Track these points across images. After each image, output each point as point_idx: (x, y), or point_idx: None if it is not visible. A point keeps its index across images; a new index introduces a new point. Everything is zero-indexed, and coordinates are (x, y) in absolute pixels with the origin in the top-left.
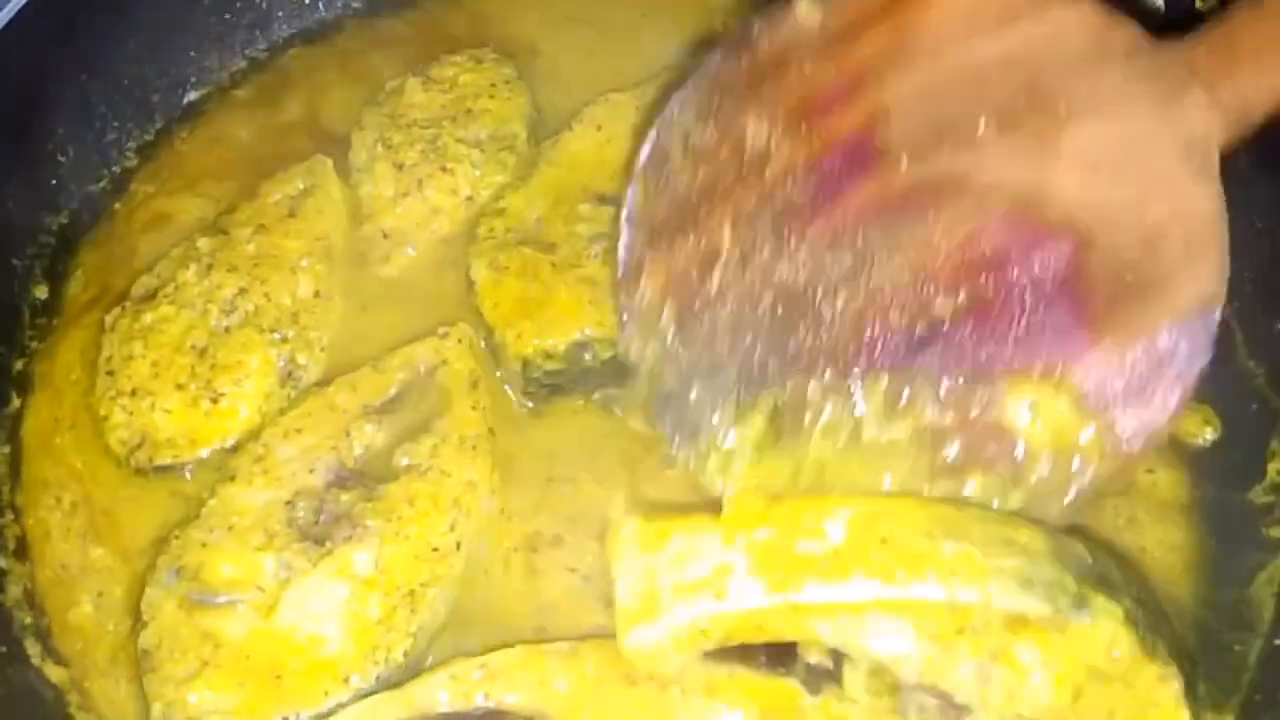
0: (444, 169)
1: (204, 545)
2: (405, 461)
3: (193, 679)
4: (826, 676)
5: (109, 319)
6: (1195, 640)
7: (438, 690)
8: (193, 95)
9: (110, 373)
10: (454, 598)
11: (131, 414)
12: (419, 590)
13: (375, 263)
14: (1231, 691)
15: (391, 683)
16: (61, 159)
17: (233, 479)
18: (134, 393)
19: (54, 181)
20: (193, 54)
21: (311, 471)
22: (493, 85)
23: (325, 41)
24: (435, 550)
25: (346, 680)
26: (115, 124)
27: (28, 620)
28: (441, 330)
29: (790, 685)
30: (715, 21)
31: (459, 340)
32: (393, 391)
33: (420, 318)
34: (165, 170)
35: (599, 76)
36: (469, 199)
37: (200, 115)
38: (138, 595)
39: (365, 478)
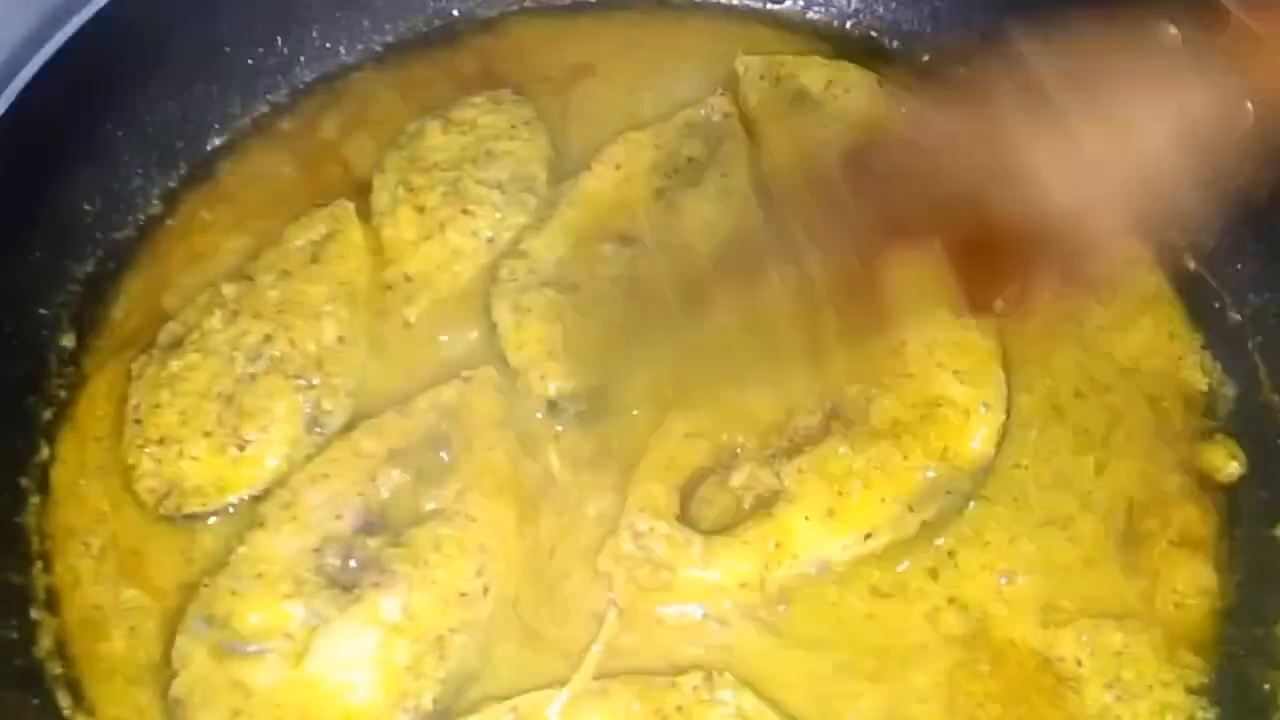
0: (465, 211)
1: (234, 593)
2: (431, 507)
3: None
4: None
5: (135, 367)
6: (1222, 678)
7: None
8: (217, 141)
9: (138, 421)
10: (484, 643)
11: (160, 462)
12: (447, 636)
13: (398, 306)
14: None
15: None
16: (88, 207)
17: (262, 525)
18: (162, 441)
19: (80, 230)
20: (216, 99)
21: (339, 518)
22: (512, 126)
23: (347, 86)
24: (463, 595)
25: None
26: (140, 171)
27: (58, 671)
28: (465, 374)
29: None
30: (730, 60)
31: (483, 383)
32: (418, 436)
33: (444, 361)
34: (191, 216)
35: (616, 116)
36: (490, 241)
37: (224, 161)
38: (169, 638)
39: (392, 524)
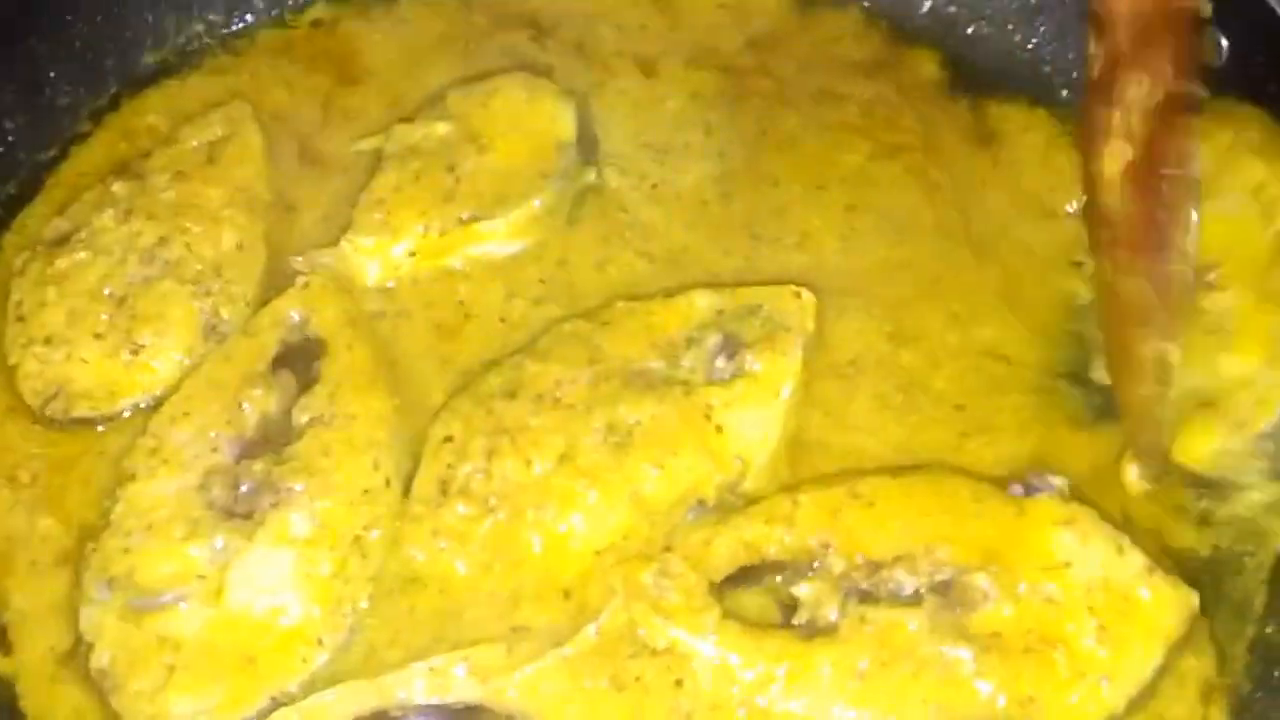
0: None
1: (126, 551)
2: (306, 418)
3: (164, 688)
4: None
5: (18, 262)
6: None
7: (416, 681)
8: (149, 59)
9: (21, 319)
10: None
11: (45, 363)
12: (363, 535)
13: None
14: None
15: (364, 629)
16: (9, 124)
17: (133, 478)
18: (48, 340)
19: (1, 149)
20: (149, 18)
21: (214, 451)
22: None
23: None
24: (366, 492)
25: (320, 641)
26: (66, 88)
27: None
28: (301, 280)
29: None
30: None
31: (322, 285)
32: (273, 352)
33: None
34: (117, 136)
35: None
36: None
37: (155, 81)
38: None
39: (271, 443)
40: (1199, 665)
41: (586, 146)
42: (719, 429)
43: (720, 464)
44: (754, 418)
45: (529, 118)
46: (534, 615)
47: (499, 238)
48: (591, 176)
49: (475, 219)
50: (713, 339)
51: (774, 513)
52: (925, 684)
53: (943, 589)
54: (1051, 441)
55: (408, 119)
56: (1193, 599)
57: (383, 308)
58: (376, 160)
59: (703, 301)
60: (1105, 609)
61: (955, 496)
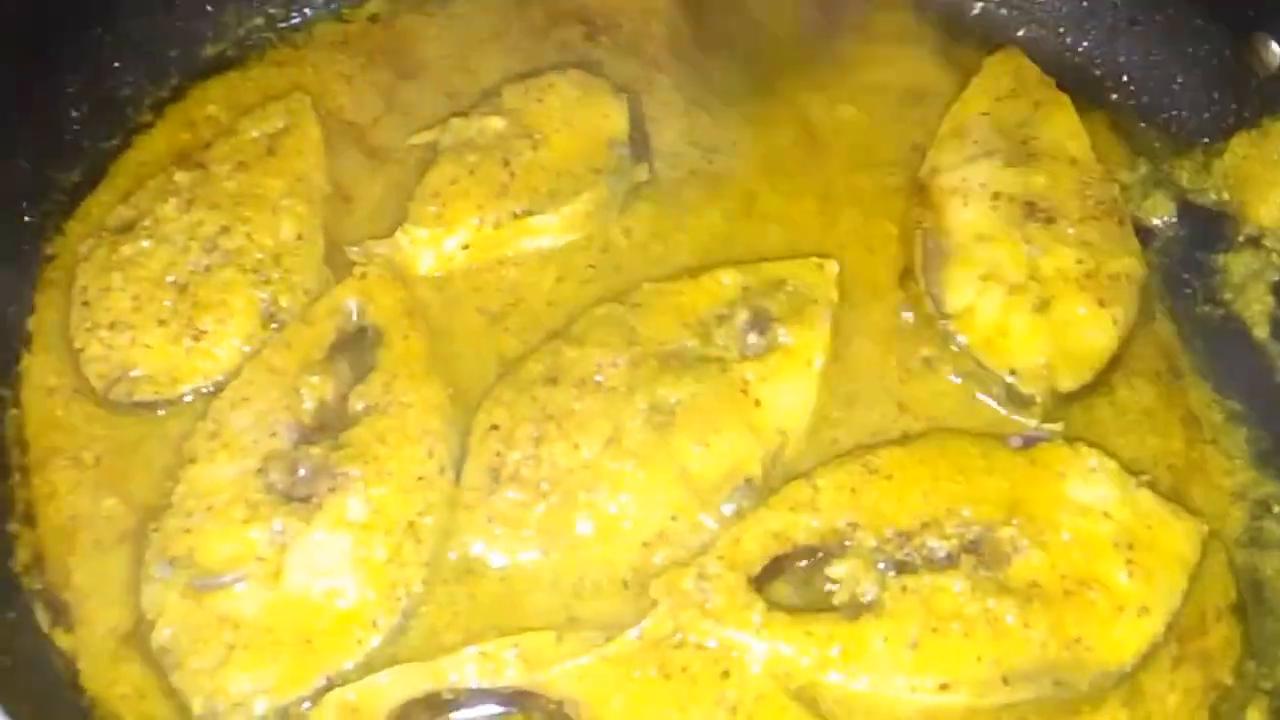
0: None
1: (187, 531)
2: (362, 405)
3: (223, 665)
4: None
5: (84, 248)
6: None
7: (468, 665)
8: (210, 51)
9: (86, 303)
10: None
11: (110, 347)
12: (417, 521)
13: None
14: None
15: (419, 615)
16: (74, 114)
17: (193, 461)
18: (113, 325)
19: (66, 137)
20: (210, 9)
21: (273, 435)
22: None
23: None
24: (421, 479)
25: (375, 623)
26: (129, 79)
27: (37, 587)
28: (359, 270)
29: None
30: None
31: (379, 275)
32: (331, 340)
33: None
34: (179, 127)
35: None
36: None
37: (216, 73)
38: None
39: (328, 429)
40: None
41: (639, 143)
42: (757, 403)
43: (762, 437)
44: (790, 389)
45: (582, 114)
46: (593, 605)
47: (552, 231)
48: (644, 174)
49: (529, 213)
50: (742, 315)
51: (796, 500)
52: (977, 641)
53: (974, 548)
54: None
55: (463, 113)
56: (1203, 526)
57: (434, 295)
58: (432, 153)
59: (728, 279)
60: (1130, 544)
61: (965, 456)
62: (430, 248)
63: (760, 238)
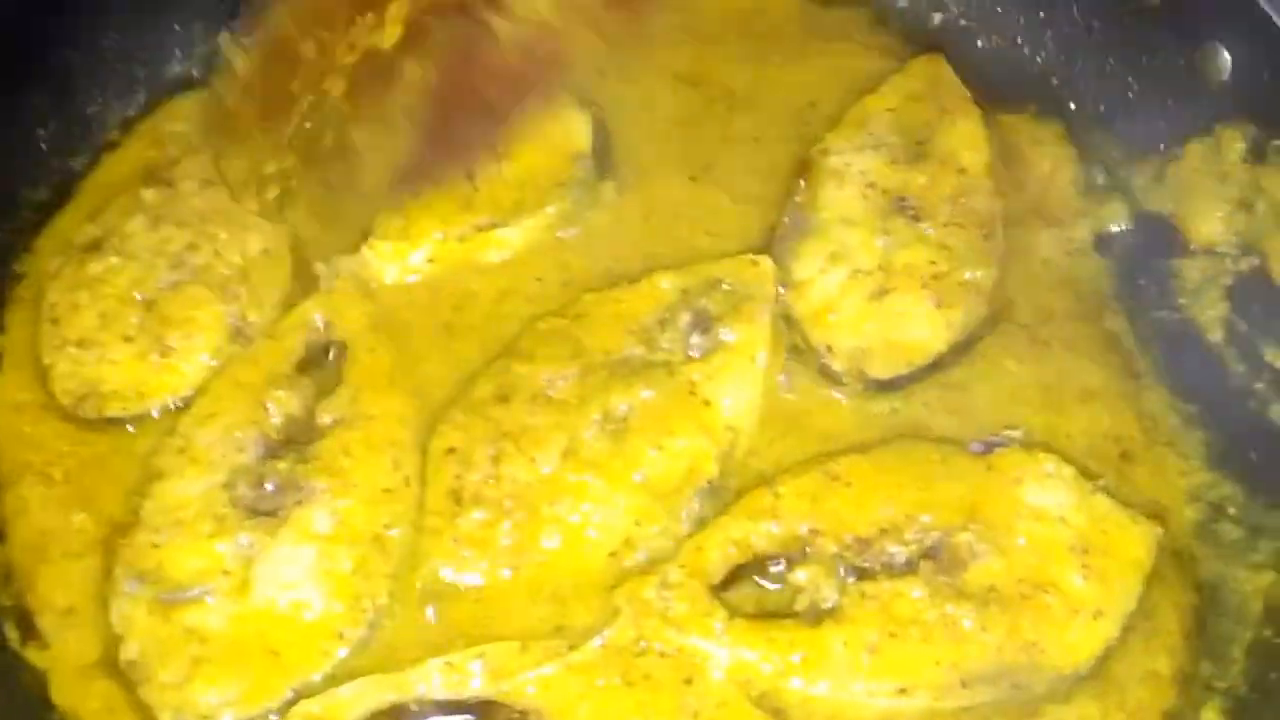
0: None
1: (155, 546)
2: (328, 419)
3: (190, 679)
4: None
5: (52, 265)
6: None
7: (433, 676)
8: (177, 69)
9: (55, 321)
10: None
11: (78, 364)
12: (383, 533)
13: None
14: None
15: (384, 628)
16: (41, 131)
17: (162, 476)
18: (80, 343)
19: (34, 155)
20: (178, 28)
21: (240, 450)
22: None
23: None
24: (387, 491)
25: (341, 635)
26: (97, 97)
27: (6, 603)
28: (325, 286)
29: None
30: None
31: (344, 290)
32: (298, 355)
33: None
34: (147, 144)
35: None
36: None
37: (183, 90)
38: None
39: (294, 443)
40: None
41: (602, 157)
42: (706, 403)
43: (714, 436)
44: (736, 386)
45: (547, 128)
46: (578, 612)
47: (514, 245)
48: (608, 189)
49: (492, 226)
50: (683, 318)
51: (757, 507)
52: (935, 647)
53: (933, 553)
54: None
55: None
56: (1157, 529)
57: (398, 303)
58: None
59: (665, 283)
60: (1085, 549)
61: (925, 463)
62: (395, 261)
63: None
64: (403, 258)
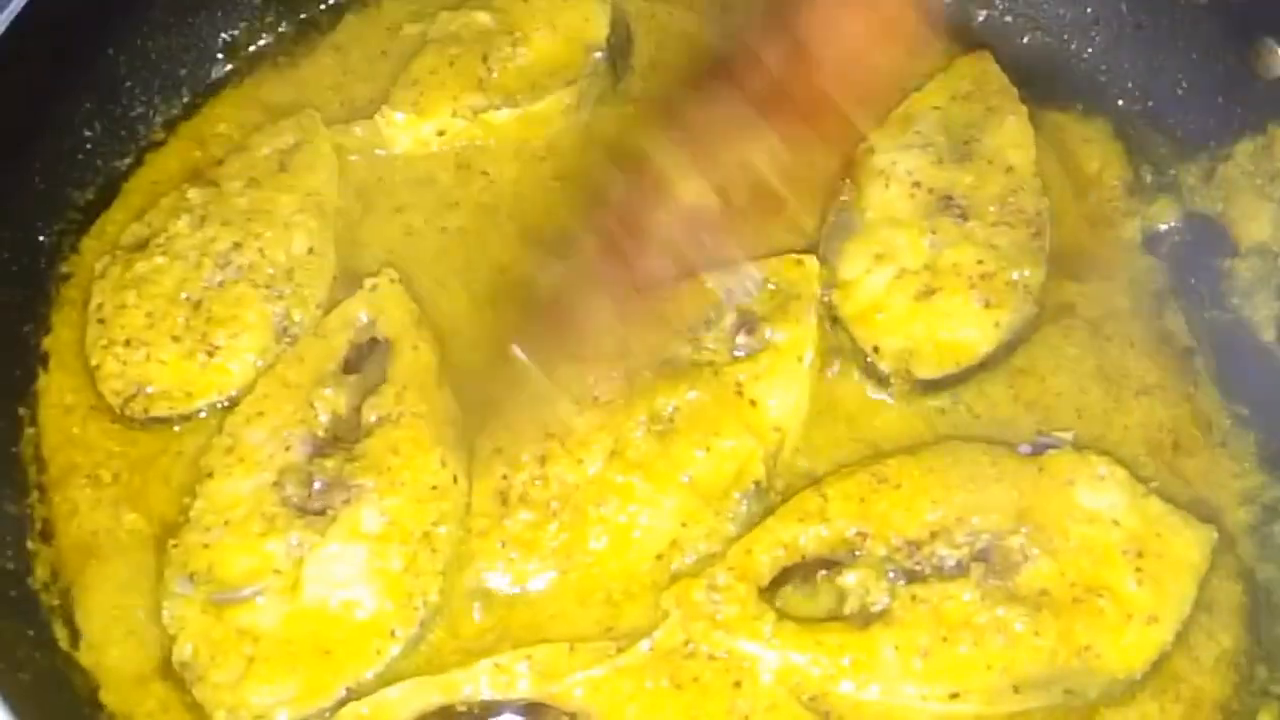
0: None
1: (206, 546)
2: (374, 417)
3: (243, 679)
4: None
5: (99, 266)
6: None
7: (481, 677)
8: (221, 70)
9: (102, 321)
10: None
11: (125, 364)
12: (432, 530)
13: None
14: None
15: (432, 629)
16: (89, 134)
17: (210, 476)
18: (128, 342)
19: (80, 156)
20: (221, 28)
21: (288, 449)
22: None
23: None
24: (435, 488)
25: (393, 633)
26: (142, 98)
27: (55, 604)
28: (369, 283)
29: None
30: None
31: (388, 286)
32: (343, 353)
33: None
34: (191, 144)
35: None
36: None
37: (227, 89)
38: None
39: (342, 442)
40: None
41: (617, 52)
42: (752, 403)
43: (760, 436)
44: (782, 387)
45: (565, 16)
46: (619, 619)
47: (521, 128)
48: (618, 82)
49: (501, 107)
50: (729, 318)
51: (805, 510)
52: (987, 651)
53: (984, 556)
54: None
55: (452, 6)
56: (1212, 532)
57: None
58: (421, 44)
59: (710, 283)
60: (1138, 552)
61: (975, 465)
62: (407, 131)
63: None
64: (415, 128)
